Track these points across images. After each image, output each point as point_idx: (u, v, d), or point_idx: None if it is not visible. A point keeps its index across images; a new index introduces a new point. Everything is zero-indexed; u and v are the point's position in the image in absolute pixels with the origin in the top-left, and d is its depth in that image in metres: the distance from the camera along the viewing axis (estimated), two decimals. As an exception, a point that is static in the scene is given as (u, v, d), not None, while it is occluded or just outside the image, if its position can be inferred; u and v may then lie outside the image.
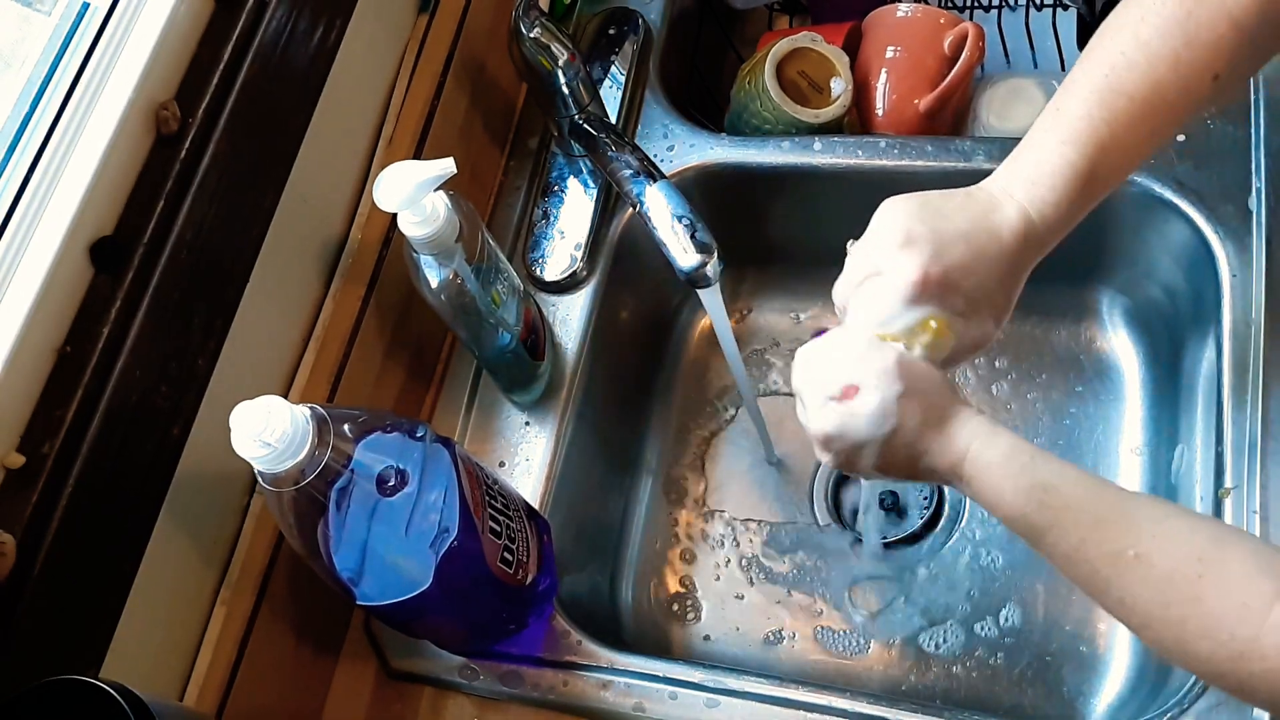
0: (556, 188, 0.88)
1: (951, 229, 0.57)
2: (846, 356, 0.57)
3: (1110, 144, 0.57)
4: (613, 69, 0.91)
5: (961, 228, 0.57)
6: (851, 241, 0.60)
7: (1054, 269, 0.87)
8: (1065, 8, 0.96)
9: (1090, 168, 0.57)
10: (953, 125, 0.93)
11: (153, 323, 0.59)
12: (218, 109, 0.63)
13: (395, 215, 0.65)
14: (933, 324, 0.56)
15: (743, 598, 0.86)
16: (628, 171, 0.70)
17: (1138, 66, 0.57)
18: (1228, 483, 0.67)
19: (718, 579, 0.87)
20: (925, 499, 0.86)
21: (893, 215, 0.58)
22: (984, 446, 0.55)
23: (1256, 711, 0.60)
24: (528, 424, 0.81)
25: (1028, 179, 0.58)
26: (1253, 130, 0.75)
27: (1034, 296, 0.89)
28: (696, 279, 0.63)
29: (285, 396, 0.62)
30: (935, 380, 0.56)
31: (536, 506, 0.77)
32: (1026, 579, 0.82)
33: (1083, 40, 0.90)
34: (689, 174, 0.86)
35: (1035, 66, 0.97)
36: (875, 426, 0.56)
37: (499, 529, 0.63)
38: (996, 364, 0.90)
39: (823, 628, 0.84)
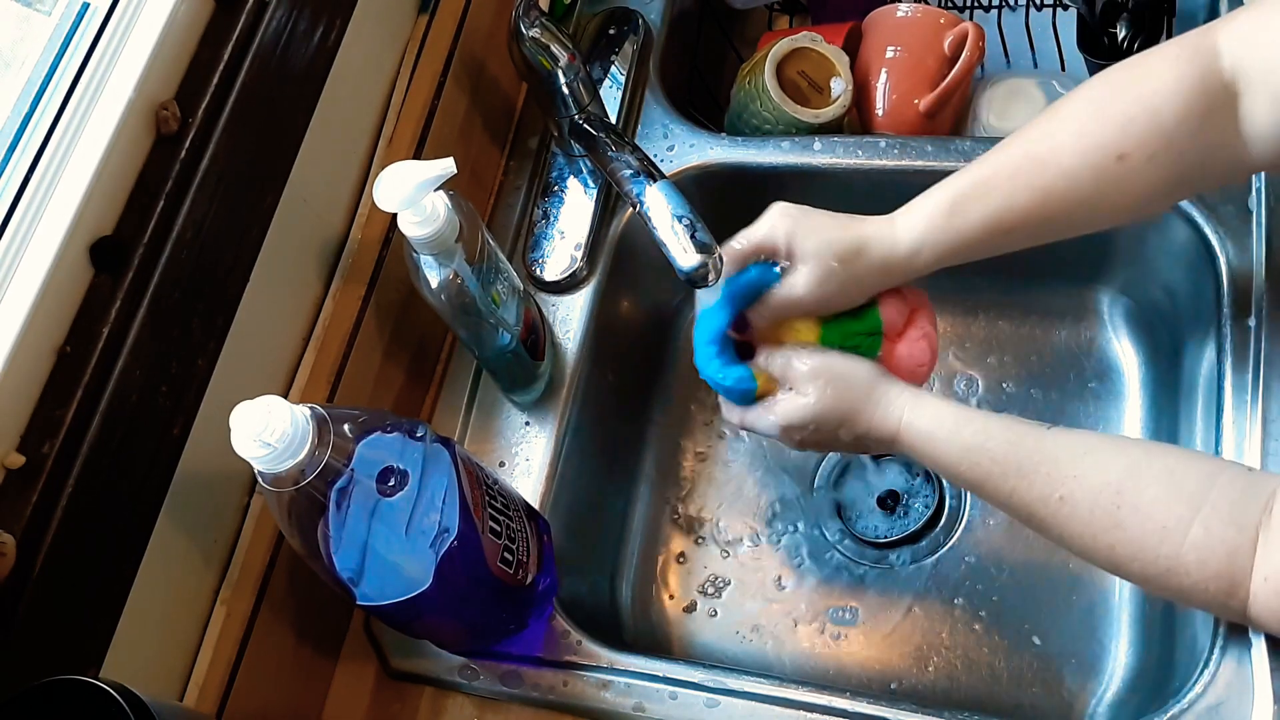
0: (556, 188, 0.88)
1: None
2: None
3: (984, 182, 0.63)
4: (613, 69, 0.91)
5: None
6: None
7: (1055, 269, 0.88)
8: (1065, 8, 0.96)
9: (953, 198, 0.64)
10: (953, 125, 0.93)
11: (153, 322, 0.59)
12: (218, 109, 0.63)
13: (395, 215, 0.65)
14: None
15: (743, 597, 0.86)
16: (628, 171, 0.70)
17: (1038, 126, 0.63)
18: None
19: (718, 579, 0.87)
20: (926, 499, 0.86)
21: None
22: (914, 418, 0.63)
23: (1257, 711, 0.60)
24: (528, 424, 0.81)
25: (907, 207, 0.66)
26: (1253, 130, 0.75)
27: (1035, 296, 0.91)
28: (696, 279, 0.63)
29: (285, 396, 0.62)
30: (856, 371, 0.65)
31: (536, 506, 0.76)
32: (1026, 579, 0.81)
33: (1083, 40, 0.90)
34: (689, 174, 0.86)
35: (1035, 66, 0.97)
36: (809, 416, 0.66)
37: (499, 529, 0.63)
38: (998, 363, 0.90)
39: (823, 627, 0.84)
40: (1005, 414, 0.63)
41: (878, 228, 0.65)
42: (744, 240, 0.67)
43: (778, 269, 0.66)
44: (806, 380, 0.66)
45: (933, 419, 0.63)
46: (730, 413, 0.71)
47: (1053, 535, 0.60)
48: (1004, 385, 0.89)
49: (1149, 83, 0.59)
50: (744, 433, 0.91)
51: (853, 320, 0.68)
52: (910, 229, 0.65)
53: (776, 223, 0.66)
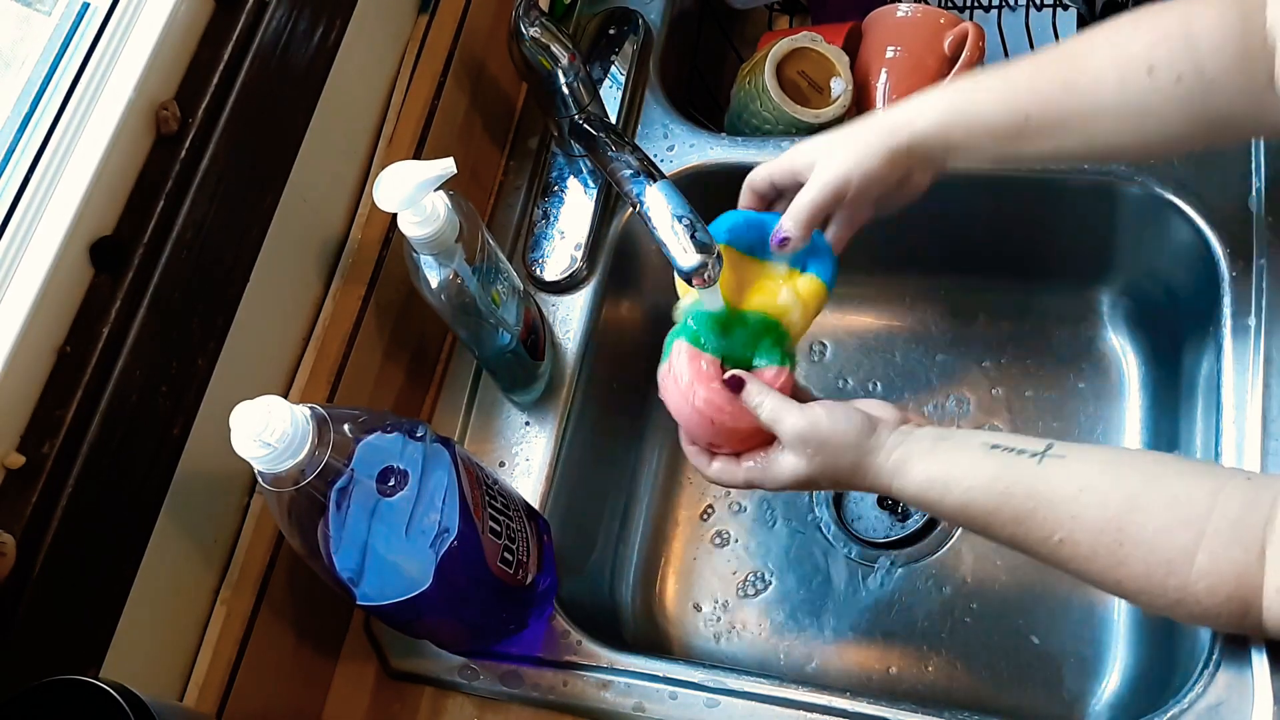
0: (556, 188, 0.88)
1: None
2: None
3: (1009, 64, 0.65)
4: (613, 69, 0.91)
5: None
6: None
7: (1055, 270, 0.88)
8: (1065, 8, 0.96)
9: (974, 74, 0.66)
10: (953, 125, 0.93)
11: (153, 322, 0.59)
12: (218, 109, 0.63)
13: (395, 215, 0.65)
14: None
15: (742, 597, 0.86)
16: (628, 171, 0.70)
17: (1079, 35, 0.64)
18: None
19: (717, 578, 0.87)
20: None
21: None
22: (902, 484, 0.62)
23: (1257, 711, 0.60)
24: (528, 424, 0.81)
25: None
26: (1253, 130, 0.75)
27: (1035, 296, 0.91)
28: (696, 279, 0.63)
29: (285, 396, 0.62)
30: (841, 434, 0.63)
31: (536, 506, 0.76)
32: (1026, 579, 0.82)
33: (1083, 40, 0.90)
34: (689, 174, 0.86)
35: (1035, 66, 0.97)
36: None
37: (499, 529, 0.63)
38: (998, 363, 0.90)
39: (823, 627, 0.84)
40: (996, 445, 0.60)
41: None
42: (766, 171, 0.71)
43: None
44: (796, 442, 0.64)
45: (921, 483, 0.61)
46: (729, 474, 0.69)
47: (1059, 568, 0.59)
48: (1004, 386, 0.89)
49: (1190, 9, 0.60)
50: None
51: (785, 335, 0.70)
52: (925, 95, 0.67)
53: (798, 147, 0.70)
